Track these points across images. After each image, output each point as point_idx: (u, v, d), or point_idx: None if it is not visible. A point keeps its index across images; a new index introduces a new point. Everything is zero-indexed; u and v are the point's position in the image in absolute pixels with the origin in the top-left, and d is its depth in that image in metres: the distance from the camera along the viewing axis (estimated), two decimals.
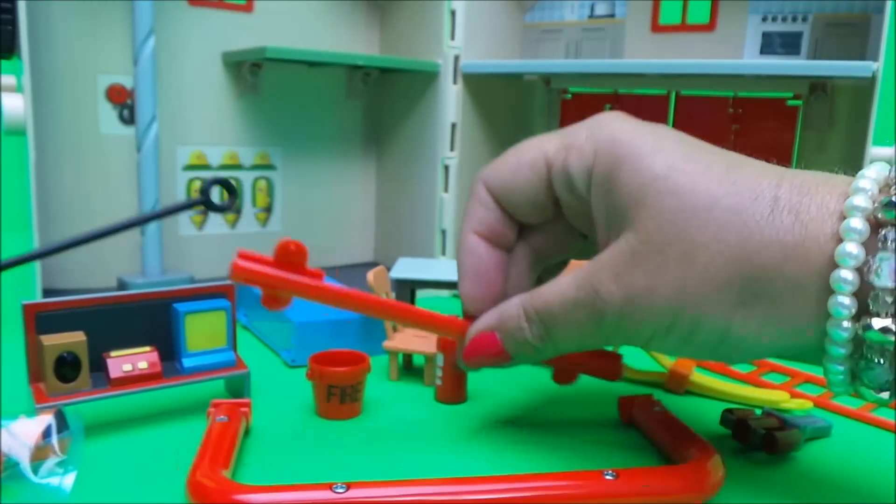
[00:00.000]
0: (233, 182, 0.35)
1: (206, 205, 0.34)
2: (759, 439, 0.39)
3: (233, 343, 0.43)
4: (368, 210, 0.89)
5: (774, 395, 0.47)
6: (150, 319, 0.41)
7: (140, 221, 0.35)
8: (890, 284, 0.26)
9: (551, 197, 0.35)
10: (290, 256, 0.33)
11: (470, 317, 0.38)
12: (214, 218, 0.77)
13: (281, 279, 0.33)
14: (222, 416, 0.38)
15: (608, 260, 0.31)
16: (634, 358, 0.52)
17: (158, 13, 0.68)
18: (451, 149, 0.76)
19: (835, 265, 0.27)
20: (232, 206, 0.35)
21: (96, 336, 0.39)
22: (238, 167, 0.78)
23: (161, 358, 0.41)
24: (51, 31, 0.65)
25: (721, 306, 0.29)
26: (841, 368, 0.29)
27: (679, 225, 0.29)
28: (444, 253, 0.77)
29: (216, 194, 0.35)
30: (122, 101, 0.70)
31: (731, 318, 0.29)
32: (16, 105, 0.53)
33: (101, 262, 0.70)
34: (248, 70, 0.75)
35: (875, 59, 0.53)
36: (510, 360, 0.36)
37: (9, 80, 0.53)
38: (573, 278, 0.33)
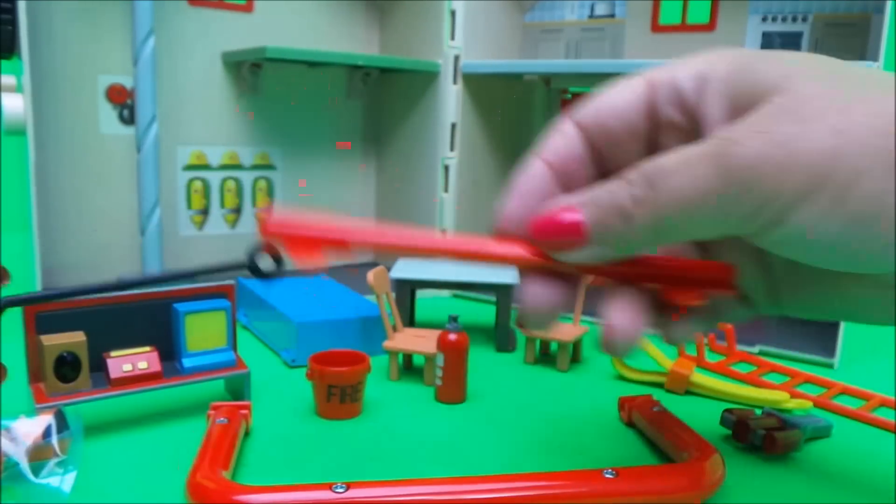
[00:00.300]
0: (279, 250, 0.33)
1: (250, 269, 0.33)
2: (759, 439, 0.39)
3: (233, 343, 0.43)
4: (368, 210, 0.89)
5: (774, 395, 0.47)
6: (150, 319, 0.41)
7: (170, 278, 0.34)
8: None
9: (647, 121, 0.31)
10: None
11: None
12: (215, 218, 0.77)
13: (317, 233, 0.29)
14: (222, 419, 0.38)
15: (744, 121, 0.26)
16: (634, 358, 0.52)
17: (158, 13, 0.68)
18: (451, 149, 0.76)
19: None
20: (280, 274, 0.33)
21: (96, 336, 0.39)
22: (238, 167, 0.78)
23: (161, 358, 0.41)
24: (51, 31, 0.65)
25: (885, 159, 0.25)
26: None
27: (835, 87, 0.26)
28: None
29: (262, 259, 0.32)
30: (122, 101, 0.70)
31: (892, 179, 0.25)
32: (16, 105, 0.53)
33: (101, 262, 0.70)
34: (248, 70, 0.75)
35: (875, 59, 0.53)
36: (584, 241, 0.28)
37: (9, 80, 0.53)
38: (695, 143, 0.27)
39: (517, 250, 0.31)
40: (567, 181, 0.32)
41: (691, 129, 0.30)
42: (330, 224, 0.30)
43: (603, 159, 0.33)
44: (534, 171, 0.32)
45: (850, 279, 0.31)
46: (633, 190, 0.27)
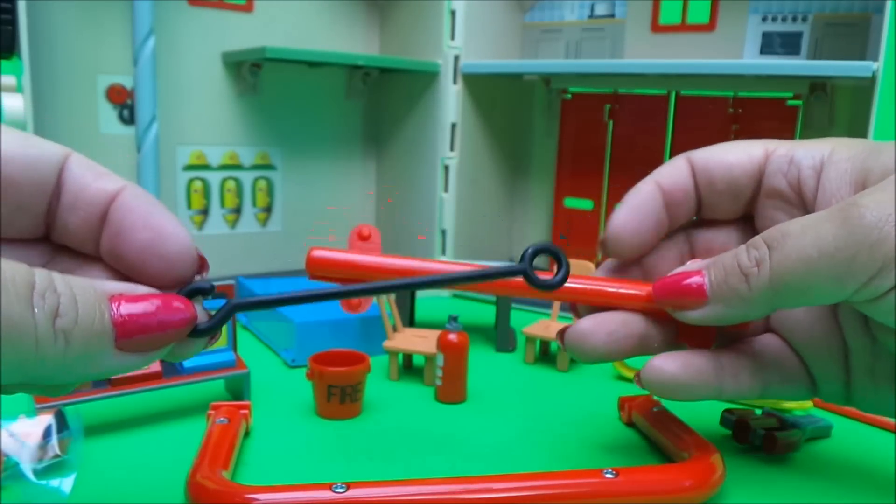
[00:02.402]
0: (559, 250, 0.28)
1: (525, 277, 0.27)
2: (759, 439, 0.39)
3: (233, 343, 0.43)
4: (368, 210, 0.89)
5: None
6: None
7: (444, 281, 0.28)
8: None
9: (753, 185, 0.33)
10: (365, 242, 0.29)
11: (606, 255, 0.34)
12: (214, 218, 0.77)
13: (375, 265, 0.29)
14: (222, 419, 0.38)
15: (871, 190, 0.27)
16: (636, 358, 0.52)
17: (158, 13, 0.68)
18: (451, 149, 0.76)
19: None
20: (559, 283, 0.28)
21: None
22: (238, 167, 0.78)
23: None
24: (51, 31, 0.65)
25: None
26: None
27: None
28: (444, 253, 0.77)
29: (539, 261, 0.28)
30: (122, 101, 0.70)
31: None
32: (16, 105, 0.53)
33: None
34: (248, 70, 0.75)
35: (875, 59, 0.53)
36: (704, 299, 0.30)
37: (9, 80, 0.53)
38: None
39: (633, 291, 0.32)
40: (673, 209, 0.34)
41: (794, 202, 0.32)
42: (386, 260, 0.30)
43: (701, 205, 0.35)
44: (646, 189, 0.34)
45: None
46: (754, 252, 0.28)
